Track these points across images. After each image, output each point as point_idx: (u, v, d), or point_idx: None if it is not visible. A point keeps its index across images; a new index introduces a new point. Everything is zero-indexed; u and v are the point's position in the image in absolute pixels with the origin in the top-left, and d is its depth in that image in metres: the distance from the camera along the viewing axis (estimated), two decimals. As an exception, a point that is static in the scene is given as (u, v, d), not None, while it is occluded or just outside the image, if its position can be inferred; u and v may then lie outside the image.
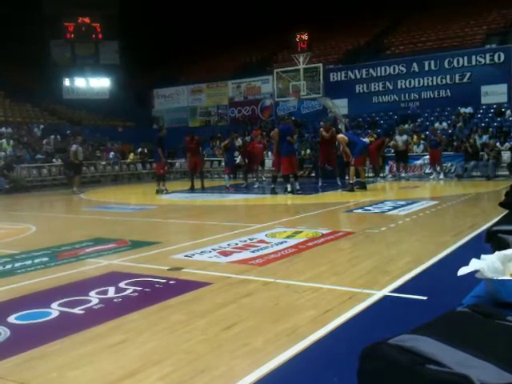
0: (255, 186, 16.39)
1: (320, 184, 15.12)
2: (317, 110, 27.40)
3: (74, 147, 16.97)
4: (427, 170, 18.24)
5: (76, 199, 15.10)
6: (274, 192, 13.44)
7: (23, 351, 3.07)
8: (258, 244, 6.28)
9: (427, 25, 29.00)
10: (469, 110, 23.18)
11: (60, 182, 20.46)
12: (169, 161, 25.73)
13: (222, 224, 8.48)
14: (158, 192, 14.95)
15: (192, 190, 15.70)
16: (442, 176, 17.37)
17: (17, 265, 5.62)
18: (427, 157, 18.19)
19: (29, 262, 5.71)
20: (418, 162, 18.82)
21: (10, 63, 29.46)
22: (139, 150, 26.54)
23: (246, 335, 3.21)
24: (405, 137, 17.98)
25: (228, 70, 32.92)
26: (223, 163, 18.58)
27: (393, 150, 18.17)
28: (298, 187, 13.09)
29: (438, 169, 17.54)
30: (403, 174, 17.85)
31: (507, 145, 18.32)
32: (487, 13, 27.46)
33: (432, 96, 25.12)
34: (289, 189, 13.09)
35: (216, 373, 2.69)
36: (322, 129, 15.29)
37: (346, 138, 13.68)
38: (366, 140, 18.83)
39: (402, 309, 3.71)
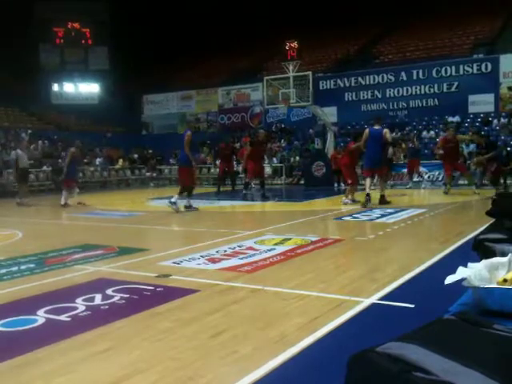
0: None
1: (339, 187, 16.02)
2: (306, 117, 27.51)
3: (13, 154, 15.18)
4: (415, 179, 18.39)
5: (60, 206, 14.92)
6: (245, 198, 13.96)
7: (8, 358, 3.04)
8: (246, 251, 6.27)
9: (416, 34, 29.30)
10: (456, 118, 23.43)
11: (47, 188, 20.33)
12: (157, 167, 25.79)
13: (211, 231, 8.46)
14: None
15: (218, 193, 16.52)
16: (423, 185, 17.63)
17: (3, 271, 5.56)
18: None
19: (15, 269, 5.65)
20: (405, 171, 18.94)
21: (-1, 67, 29.29)
22: (135, 155, 26.46)
23: (234, 342, 3.19)
24: None
25: (218, 77, 32.96)
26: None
27: None
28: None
29: (416, 177, 17.86)
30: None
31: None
32: (475, 23, 27.81)
33: (420, 105, 25.38)
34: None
35: (204, 380, 2.67)
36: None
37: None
38: None
39: (389, 316, 3.72)
